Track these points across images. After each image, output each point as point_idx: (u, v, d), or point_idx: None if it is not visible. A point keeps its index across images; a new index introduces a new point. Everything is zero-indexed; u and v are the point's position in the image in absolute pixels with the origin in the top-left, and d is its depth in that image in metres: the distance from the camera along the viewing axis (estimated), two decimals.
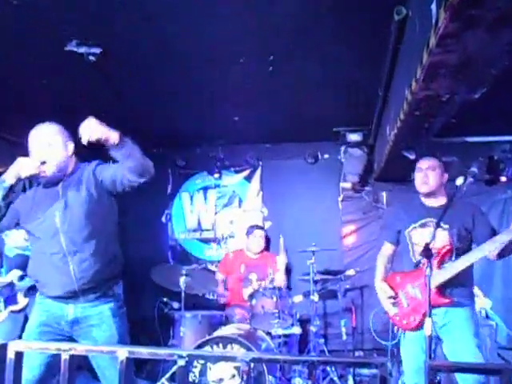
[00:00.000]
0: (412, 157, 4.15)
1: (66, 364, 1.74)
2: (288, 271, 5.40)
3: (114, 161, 2.57)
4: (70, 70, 3.64)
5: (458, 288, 3.07)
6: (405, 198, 5.51)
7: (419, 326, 3.06)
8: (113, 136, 2.44)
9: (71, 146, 2.68)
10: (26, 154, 2.59)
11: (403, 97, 3.04)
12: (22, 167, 2.48)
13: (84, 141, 2.40)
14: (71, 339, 2.67)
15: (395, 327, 3.31)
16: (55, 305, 2.65)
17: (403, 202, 3.54)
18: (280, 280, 4.92)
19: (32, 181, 2.65)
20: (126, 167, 2.53)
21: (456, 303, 3.05)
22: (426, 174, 3.20)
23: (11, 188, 2.49)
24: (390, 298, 3.27)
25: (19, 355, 1.76)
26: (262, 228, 5.46)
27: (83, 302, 2.64)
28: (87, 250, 2.61)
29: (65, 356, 1.76)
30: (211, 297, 4.96)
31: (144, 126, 5.07)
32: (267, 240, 5.58)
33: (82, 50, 3.11)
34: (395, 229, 3.37)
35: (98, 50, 3.13)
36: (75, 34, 3.12)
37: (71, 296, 2.61)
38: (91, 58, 3.18)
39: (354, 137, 5.32)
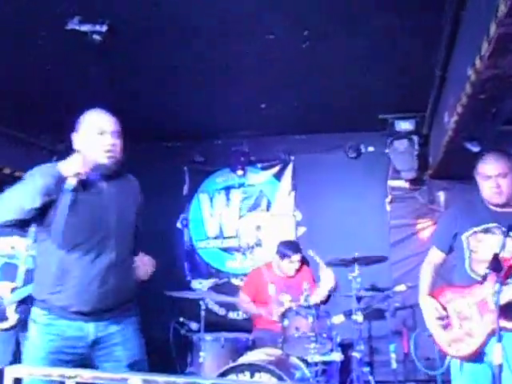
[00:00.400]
0: (475, 149, 4.10)
1: None
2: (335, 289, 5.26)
3: None
4: (71, 51, 3.70)
5: None
6: (466, 199, 5.53)
7: (475, 355, 2.95)
8: None
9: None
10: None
11: (465, 77, 3.01)
12: (80, 165, 2.57)
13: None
14: (86, 365, 2.67)
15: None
16: (72, 325, 2.65)
17: (462, 201, 3.46)
18: (317, 299, 4.87)
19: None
20: None
21: None
22: (497, 183, 3.05)
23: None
24: (440, 318, 3.14)
25: (18, 383, 1.81)
26: (299, 250, 5.12)
27: (106, 318, 2.69)
28: (127, 263, 2.78)
29: (69, 383, 1.80)
30: (235, 316, 4.98)
31: (155, 117, 5.14)
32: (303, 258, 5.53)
33: (86, 28, 3.17)
34: (450, 232, 3.23)
35: (103, 28, 3.18)
36: (77, 10, 3.18)
37: (96, 313, 2.66)
38: (96, 37, 3.23)
39: (404, 125, 5.29)
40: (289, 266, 5.07)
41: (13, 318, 4.22)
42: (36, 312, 2.70)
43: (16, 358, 4.19)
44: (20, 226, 2.67)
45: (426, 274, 3.33)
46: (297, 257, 5.05)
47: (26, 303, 4.21)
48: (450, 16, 3.09)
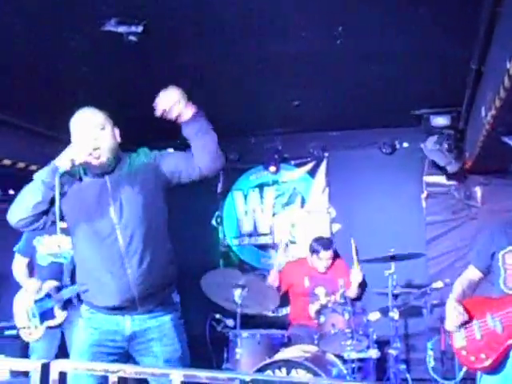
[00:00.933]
0: None
1: None
2: (362, 286, 5.26)
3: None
4: (107, 53, 3.77)
5: None
6: (507, 195, 5.45)
7: (491, 367, 2.91)
8: (189, 110, 2.65)
9: (118, 133, 2.79)
10: (61, 149, 2.71)
11: (503, 69, 2.96)
12: (76, 152, 2.58)
13: (158, 111, 2.59)
14: (129, 357, 2.76)
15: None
16: (109, 319, 2.71)
17: (500, 222, 3.41)
18: (359, 277, 4.85)
19: (75, 173, 2.71)
20: (201, 148, 2.68)
21: None
22: None
23: (64, 174, 2.58)
24: (462, 324, 3.10)
25: (63, 376, 1.86)
26: (331, 246, 5.14)
27: (141, 312, 2.70)
28: (146, 251, 2.65)
29: (113, 378, 1.83)
30: (270, 314, 4.99)
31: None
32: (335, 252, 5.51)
33: (122, 29, 3.21)
34: (488, 252, 3.23)
35: (139, 29, 3.23)
36: (114, 12, 3.23)
37: (128, 306, 2.67)
38: (132, 38, 3.28)
39: (439, 120, 5.24)
40: (318, 262, 5.07)
41: (60, 315, 4.33)
42: (82, 307, 2.79)
43: (61, 353, 4.32)
44: (35, 222, 2.65)
45: (458, 286, 3.32)
46: (325, 254, 5.04)
47: (72, 301, 4.34)
48: (487, 9, 3.04)
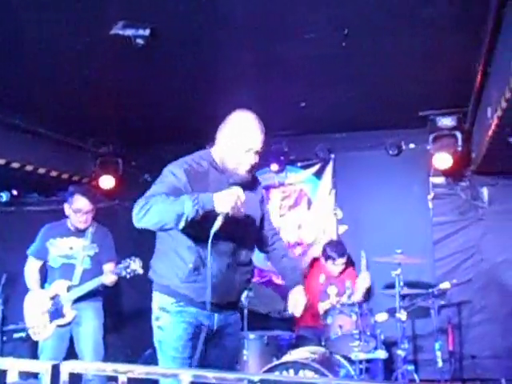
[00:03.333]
0: None
1: None
2: (368, 292, 5.26)
3: None
4: (114, 56, 3.79)
5: None
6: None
7: None
8: None
9: None
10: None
11: (509, 71, 2.96)
12: (234, 202, 2.58)
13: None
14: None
15: None
16: (201, 313, 2.83)
17: None
18: (366, 282, 4.89)
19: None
20: None
21: None
22: None
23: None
24: None
25: (73, 377, 1.87)
26: (344, 253, 5.17)
27: (227, 310, 2.93)
28: (250, 263, 3.02)
29: (122, 378, 1.85)
30: (277, 315, 4.98)
31: (195, 119, 5.21)
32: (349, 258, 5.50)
33: (129, 32, 3.23)
34: None
35: (146, 32, 3.25)
36: (121, 15, 3.25)
37: (223, 306, 2.88)
38: (139, 41, 3.30)
39: (445, 121, 5.23)
40: (332, 268, 5.11)
41: (70, 314, 4.37)
42: (165, 300, 2.84)
43: (69, 354, 4.35)
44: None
45: None
46: (341, 260, 5.09)
47: (80, 300, 4.37)
48: (493, 10, 3.04)
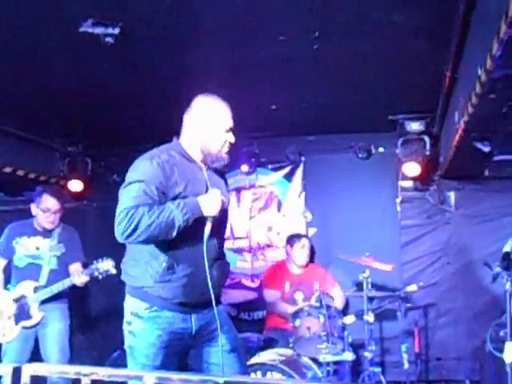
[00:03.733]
0: (486, 149, 4.10)
1: None
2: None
3: None
4: (83, 54, 3.74)
5: None
6: (479, 200, 5.53)
7: None
8: None
9: None
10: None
11: (475, 77, 3.01)
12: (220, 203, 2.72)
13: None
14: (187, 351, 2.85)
15: None
16: (177, 317, 2.74)
17: None
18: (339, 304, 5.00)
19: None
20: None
21: None
22: None
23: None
24: None
25: (35, 380, 1.83)
26: (307, 237, 5.49)
27: (204, 309, 2.81)
28: (223, 257, 2.94)
29: (85, 380, 1.82)
30: (246, 317, 4.98)
31: (166, 119, 5.17)
32: (311, 249, 5.57)
33: (99, 30, 3.20)
34: None
35: (116, 31, 3.21)
36: (90, 13, 3.21)
37: (200, 304, 2.77)
38: (108, 39, 3.26)
39: (414, 126, 5.29)
40: (299, 252, 5.18)
41: (37, 316, 4.29)
42: (137, 305, 2.74)
43: (34, 357, 4.27)
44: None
45: None
46: (306, 241, 5.20)
47: (48, 302, 4.30)
48: (459, 16, 3.09)
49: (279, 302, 5.09)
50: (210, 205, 2.64)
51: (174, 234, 2.59)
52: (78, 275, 4.27)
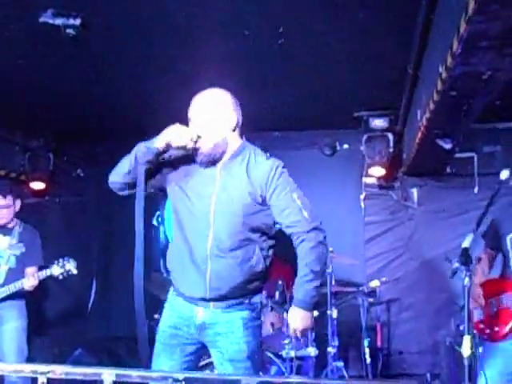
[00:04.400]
0: (448, 146, 4.16)
1: None
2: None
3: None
4: (44, 45, 3.66)
5: None
6: (441, 196, 5.61)
7: (504, 337, 3.35)
8: None
9: (234, 119, 2.74)
10: None
11: (437, 74, 3.04)
12: (174, 135, 2.56)
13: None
14: (203, 346, 2.75)
15: None
16: (186, 305, 2.71)
17: (507, 204, 3.59)
18: None
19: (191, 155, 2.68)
20: None
21: None
22: None
23: (159, 154, 2.61)
24: (481, 304, 3.47)
25: None
26: None
27: (213, 307, 2.66)
28: (232, 259, 2.59)
29: (42, 379, 1.78)
30: None
31: (130, 112, 5.11)
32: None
33: (59, 21, 3.13)
34: (498, 233, 3.48)
35: (77, 22, 3.15)
36: (50, 3, 3.14)
37: (202, 299, 2.67)
38: (69, 31, 3.19)
39: (378, 123, 5.33)
40: None
41: None
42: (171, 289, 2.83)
43: None
44: (121, 190, 2.74)
45: (478, 267, 3.59)
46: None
47: (4, 300, 4.21)
48: (422, 14, 3.12)
49: None
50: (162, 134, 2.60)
51: (130, 166, 2.61)
52: (28, 279, 4.23)
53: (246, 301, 2.68)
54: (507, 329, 3.33)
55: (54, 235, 5.67)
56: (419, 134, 4.17)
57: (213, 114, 2.68)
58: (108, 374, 1.76)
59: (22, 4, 3.16)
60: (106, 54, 3.93)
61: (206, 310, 2.66)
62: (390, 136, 5.42)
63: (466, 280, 2.68)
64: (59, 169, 6.11)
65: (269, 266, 2.76)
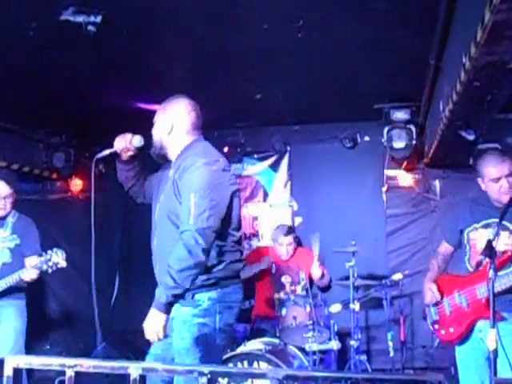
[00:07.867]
0: (471, 137, 4.12)
1: (71, 382, 1.79)
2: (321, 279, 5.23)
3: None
4: (66, 43, 3.69)
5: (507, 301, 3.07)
6: (464, 188, 5.55)
7: (458, 339, 3.25)
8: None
9: (168, 125, 2.98)
10: None
11: (460, 65, 3.01)
12: (116, 141, 3.03)
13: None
14: None
15: None
16: None
17: (468, 197, 3.57)
18: (317, 273, 4.86)
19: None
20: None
21: (503, 318, 3.07)
22: (509, 182, 3.17)
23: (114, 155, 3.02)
24: (436, 303, 3.39)
25: (17, 373, 1.82)
26: (290, 232, 5.14)
27: None
28: (166, 261, 2.67)
29: (69, 373, 1.81)
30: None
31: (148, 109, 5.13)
32: (297, 239, 5.51)
33: (80, 19, 3.15)
34: (457, 228, 3.41)
35: (98, 19, 3.17)
36: (71, 1, 3.16)
37: None
38: (90, 28, 3.22)
39: (399, 115, 5.29)
40: (280, 248, 5.09)
41: None
42: None
43: None
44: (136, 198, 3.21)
45: (434, 262, 3.55)
46: (285, 239, 5.04)
47: (2, 299, 4.07)
48: (444, 3, 3.09)
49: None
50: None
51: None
52: (26, 269, 3.98)
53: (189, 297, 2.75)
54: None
55: (77, 231, 5.72)
56: (442, 126, 4.13)
57: (155, 118, 3.06)
58: (134, 368, 1.79)
59: (43, 2, 3.18)
60: (127, 51, 3.95)
61: None
62: (413, 128, 5.36)
63: (491, 272, 2.66)
64: (81, 165, 6.16)
65: None
